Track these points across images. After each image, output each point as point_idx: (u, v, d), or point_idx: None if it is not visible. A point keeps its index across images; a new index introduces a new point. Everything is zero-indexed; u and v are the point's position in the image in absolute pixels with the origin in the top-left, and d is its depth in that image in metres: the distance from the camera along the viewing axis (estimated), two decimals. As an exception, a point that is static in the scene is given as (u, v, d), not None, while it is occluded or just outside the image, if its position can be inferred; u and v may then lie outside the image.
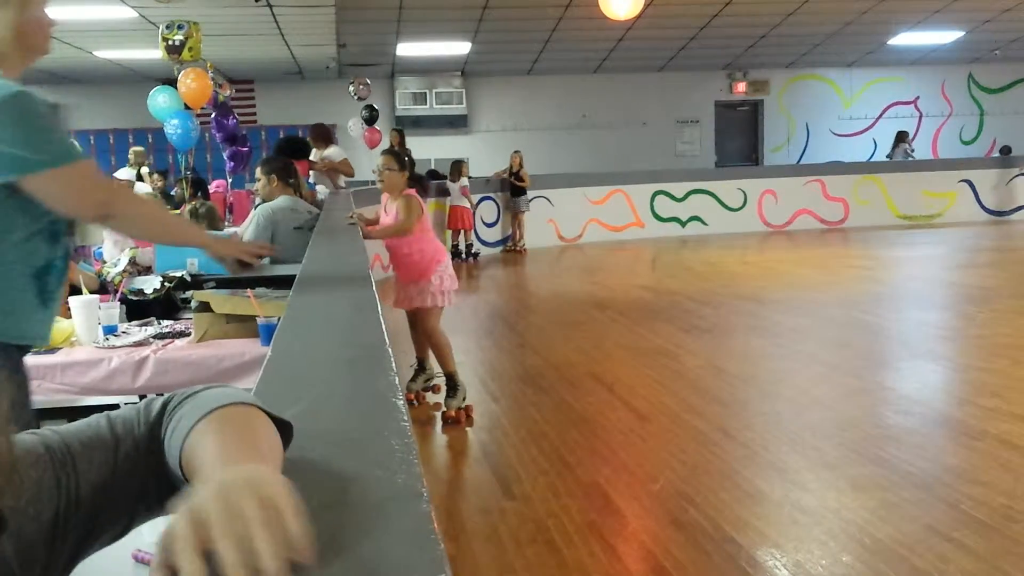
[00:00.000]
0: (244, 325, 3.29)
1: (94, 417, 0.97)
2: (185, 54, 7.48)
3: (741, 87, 19.31)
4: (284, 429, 0.99)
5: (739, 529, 3.52)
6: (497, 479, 4.19)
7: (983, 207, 16.00)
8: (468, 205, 13.34)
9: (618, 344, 7.00)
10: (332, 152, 9.21)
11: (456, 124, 18.01)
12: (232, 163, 9.11)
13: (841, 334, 7.32)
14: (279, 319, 3.79)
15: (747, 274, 10.92)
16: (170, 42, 7.55)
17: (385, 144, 13.57)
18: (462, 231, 13.35)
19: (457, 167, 13.50)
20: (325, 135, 9.48)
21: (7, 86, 2.14)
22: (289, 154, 6.55)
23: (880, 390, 5.65)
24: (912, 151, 16.57)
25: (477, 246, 13.73)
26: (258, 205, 5.59)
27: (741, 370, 6.20)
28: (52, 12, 2.32)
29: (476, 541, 3.55)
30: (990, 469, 4.09)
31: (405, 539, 0.83)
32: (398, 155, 5.34)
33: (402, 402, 1.34)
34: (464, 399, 5.31)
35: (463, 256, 13.20)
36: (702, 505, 3.74)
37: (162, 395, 1.02)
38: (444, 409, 5.27)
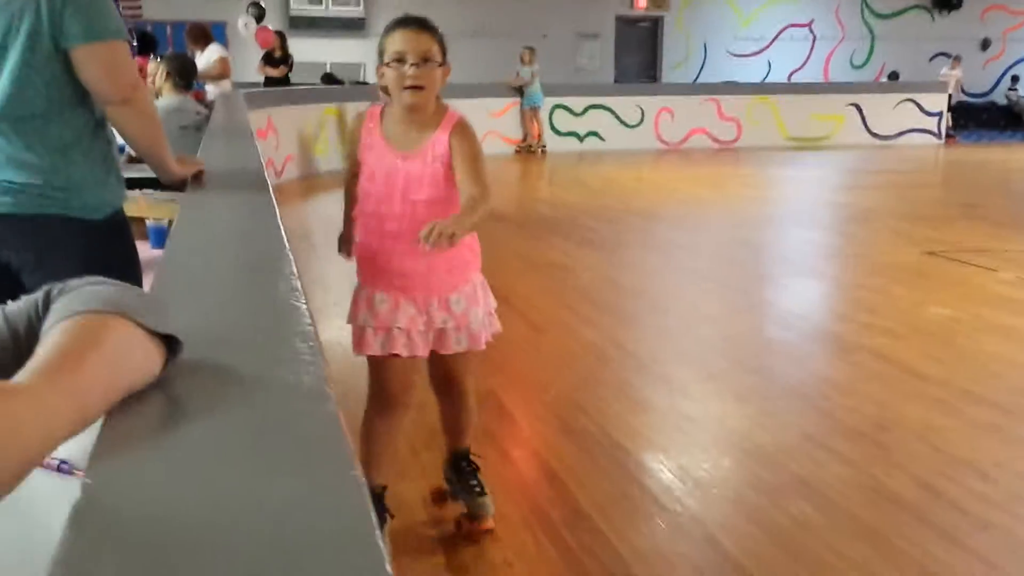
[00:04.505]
0: (132, 227, 3.19)
1: None
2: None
3: (642, 2, 19.30)
4: (170, 343, 0.92)
5: (628, 436, 3.64)
6: (392, 387, 4.21)
7: (869, 131, 16.48)
8: None
9: (515, 256, 7.04)
10: (208, 53, 8.89)
11: (353, 27, 17.56)
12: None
13: (729, 251, 7.52)
14: (169, 222, 3.70)
15: (642, 191, 11.07)
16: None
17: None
18: None
19: None
20: (203, 35, 9.14)
21: None
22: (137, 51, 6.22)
23: (764, 305, 5.85)
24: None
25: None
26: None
27: (634, 284, 6.32)
28: None
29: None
30: (864, 380, 4.30)
31: (313, 440, 0.84)
32: (440, 35, 2.54)
33: (304, 305, 1.33)
34: None
35: None
36: (593, 414, 3.85)
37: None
38: (477, 516, 2.92)
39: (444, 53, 2.51)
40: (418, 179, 2.53)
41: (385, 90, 2.53)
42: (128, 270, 2.41)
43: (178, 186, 2.63)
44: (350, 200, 2.77)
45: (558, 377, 4.36)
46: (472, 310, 2.72)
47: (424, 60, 2.44)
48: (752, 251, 7.59)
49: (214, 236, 1.95)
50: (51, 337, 0.83)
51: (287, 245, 1.76)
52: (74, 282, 0.95)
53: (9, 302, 0.96)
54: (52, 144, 2.22)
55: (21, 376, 0.75)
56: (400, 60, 2.43)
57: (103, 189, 2.33)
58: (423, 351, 2.66)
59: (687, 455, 3.48)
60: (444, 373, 2.87)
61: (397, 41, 2.45)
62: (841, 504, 3.05)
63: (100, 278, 0.97)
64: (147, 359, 0.89)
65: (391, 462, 2.89)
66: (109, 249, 2.35)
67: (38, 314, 0.92)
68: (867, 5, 20.24)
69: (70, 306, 0.88)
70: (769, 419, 3.82)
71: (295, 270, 1.56)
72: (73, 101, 2.25)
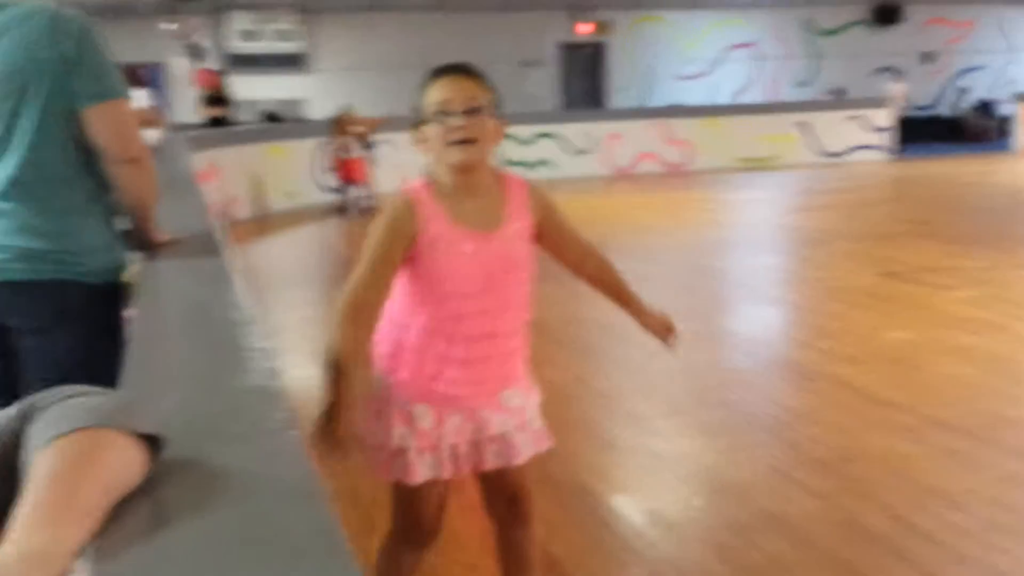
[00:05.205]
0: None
1: None
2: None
3: (584, 27, 19.45)
4: (151, 439, 0.96)
5: (598, 478, 3.62)
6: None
7: (819, 149, 16.67)
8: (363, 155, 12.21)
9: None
10: (135, 99, 8.77)
11: (294, 63, 17.52)
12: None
13: (687, 279, 7.56)
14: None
15: (595, 219, 11.07)
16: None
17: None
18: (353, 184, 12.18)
19: (345, 119, 12.21)
20: (133, 79, 9.05)
21: (73, 13, 2.18)
22: None
23: (724, 334, 5.87)
24: None
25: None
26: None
27: (596, 318, 6.30)
28: None
29: (341, 501, 3.51)
30: (827, 409, 4.32)
31: (313, 552, 0.83)
32: (490, 83, 2.11)
33: (279, 386, 1.30)
34: None
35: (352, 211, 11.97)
36: (562, 456, 3.79)
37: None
38: None
39: (496, 106, 2.07)
40: (508, 261, 2.13)
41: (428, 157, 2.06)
42: (123, 330, 2.37)
43: (134, 246, 2.57)
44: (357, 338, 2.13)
45: (524, 418, 4.32)
46: (530, 402, 2.29)
47: (473, 109, 1.99)
48: (709, 278, 7.64)
49: (177, 315, 1.90)
50: (47, 464, 0.86)
51: (252, 318, 1.72)
52: (51, 394, 0.98)
53: None
54: (64, 208, 2.21)
55: (27, 514, 0.81)
56: (444, 112, 1.98)
57: (110, 253, 2.31)
58: (468, 467, 2.17)
59: (658, 497, 3.46)
60: (511, 492, 2.30)
61: (438, 90, 2.01)
62: (815, 540, 3.05)
63: (76, 387, 1.01)
64: (136, 463, 0.93)
65: None
66: (112, 312, 2.32)
67: (19, 428, 0.95)
68: (810, 23, 20.60)
69: (58, 426, 0.90)
70: (736, 453, 3.81)
71: (266, 345, 1.52)
72: (83, 164, 2.25)
